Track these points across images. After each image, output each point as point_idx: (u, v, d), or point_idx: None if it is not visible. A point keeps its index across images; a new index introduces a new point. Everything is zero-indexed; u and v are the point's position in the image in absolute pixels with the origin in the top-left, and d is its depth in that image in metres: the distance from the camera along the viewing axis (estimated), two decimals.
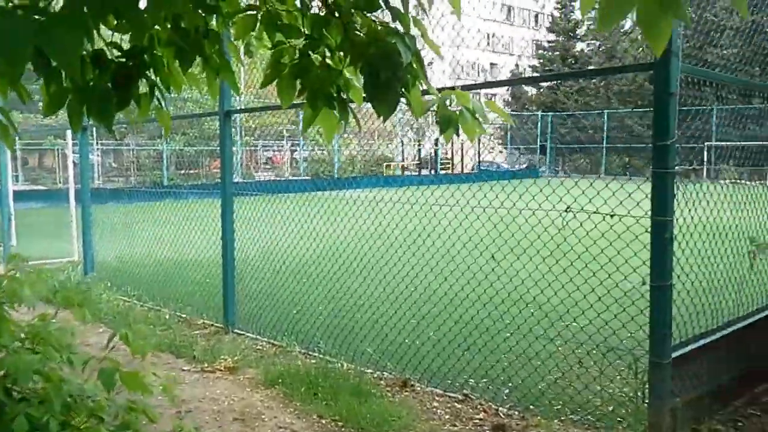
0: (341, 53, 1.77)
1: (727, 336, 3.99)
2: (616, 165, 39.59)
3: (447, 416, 4.01)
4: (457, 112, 1.95)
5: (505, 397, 4.37)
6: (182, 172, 32.35)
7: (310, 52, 1.82)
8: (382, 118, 1.73)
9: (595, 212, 3.61)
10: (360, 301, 6.62)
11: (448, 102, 1.92)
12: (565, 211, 3.63)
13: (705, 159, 34.32)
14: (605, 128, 39.64)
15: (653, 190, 3.34)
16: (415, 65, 1.79)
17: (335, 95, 1.93)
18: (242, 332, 6.09)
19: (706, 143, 30.59)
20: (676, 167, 3.35)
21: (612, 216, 3.48)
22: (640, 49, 41.05)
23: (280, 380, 4.50)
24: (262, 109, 6.32)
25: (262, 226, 6.67)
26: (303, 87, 1.85)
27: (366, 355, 5.13)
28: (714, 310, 3.91)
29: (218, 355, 5.15)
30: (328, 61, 1.84)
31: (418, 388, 4.52)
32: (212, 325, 6.39)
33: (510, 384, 4.55)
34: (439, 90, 1.96)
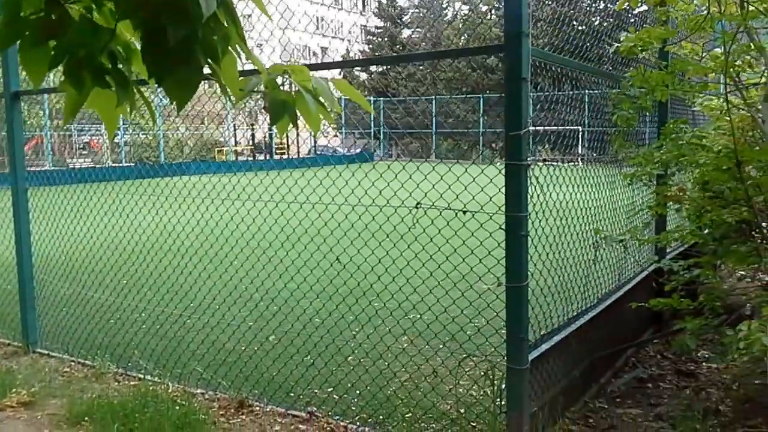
0: (112, 4, 1.19)
1: (576, 330, 3.90)
2: (444, 148, 41.16)
3: None
4: (294, 95, 1.48)
5: (353, 407, 4.00)
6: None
7: (62, 0, 1.20)
8: (176, 104, 1.21)
9: (447, 208, 3.30)
10: (189, 304, 5.93)
11: (280, 81, 1.42)
12: (415, 207, 3.29)
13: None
14: (434, 113, 40.96)
15: (507, 185, 3.08)
16: (225, 22, 1.25)
17: (109, 66, 1.32)
18: (46, 352, 5.17)
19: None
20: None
21: (465, 212, 3.20)
22: (462, 37, 42.84)
23: (88, 415, 3.75)
24: (54, 91, 5.36)
25: (71, 220, 5.74)
26: (59, 54, 1.24)
27: (196, 373, 4.51)
28: (564, 305, 3.80)
29: (11, 386, 4.25)
30: (96, 15, 1.24)
31: (258, 409, 4.00)
32: (9, 344, 5.38)
33: (357, 392, 4.19)
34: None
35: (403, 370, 4.38)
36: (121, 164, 29.71)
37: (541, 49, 3.40)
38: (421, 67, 45.06)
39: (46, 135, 28.63)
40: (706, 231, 4.26)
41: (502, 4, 3.06)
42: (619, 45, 4.28)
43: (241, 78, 1.42)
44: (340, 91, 1.55)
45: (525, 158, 3.06)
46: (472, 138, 40.08)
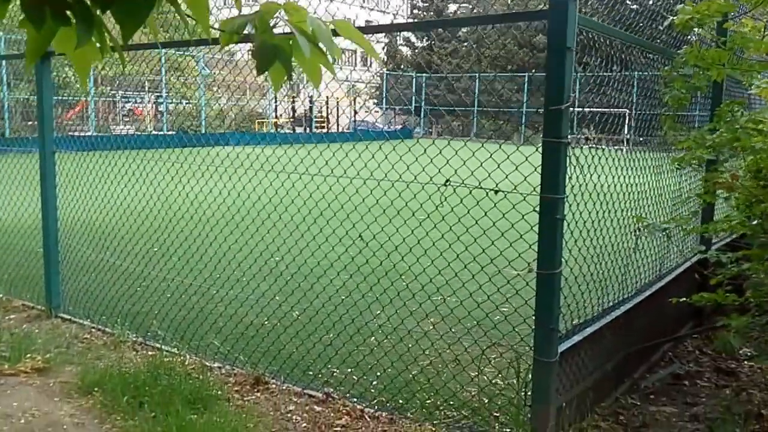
0: None
1: (611, 321, 3.66)
2: (486, 128, 40.45)
3: (304, 424, 3.40)
4: (290, 41, 1.26)
5: (372, 389, 3.85)
6: (30, 123, 29.23)
7: None
8: (121, 32, 1.01)
9: (477, 187, 3.08)
10: (217, 276, 5.84)
11: (273, 24, 1.22)
12: (444, 184, 3.08)
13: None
14: (476, 91, 40.29)
15: (544, 164, 2.85)
16: None
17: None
18: (69, 317, 5.15)
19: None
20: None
21: (496, 192, 2.98)
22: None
23: (99, 385, 3.66)
24: (15, 58, 5.24)
25: (105, 186, 5.67)
26: None
27: (213, 346, 4.41)
28: (600, 295, 3.56)
29: (27, 351, 4.21)
30: None
31: (273, 386, 3.88)
32: (33, 307, 5.37)
33: (377, 374, 4.03)
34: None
35: (425, 354, 4.20)
36: (162, 132, 29.96)
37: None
38: (465, 44, 44.30)
39: (91, 101, 29.04)
40: (755, 222, 3.96)
41: None
42: (673, 18, 3.96)
43: (228, 18, 1.23)
44: (343, 35, 1.33)
45: (565, 135, 2.82)
46: (516, 118, 39.34)
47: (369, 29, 3.96)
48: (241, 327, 4.73)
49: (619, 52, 3.93)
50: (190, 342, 4.48)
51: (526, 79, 38.35)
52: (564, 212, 2.86)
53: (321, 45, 1.20)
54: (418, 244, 4.37)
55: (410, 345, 4.32)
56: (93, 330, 4.88)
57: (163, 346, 4.41)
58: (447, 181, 3.07)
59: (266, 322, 4.89)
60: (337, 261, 5.35)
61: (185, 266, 5.79)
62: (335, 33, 1.24)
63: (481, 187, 3.08)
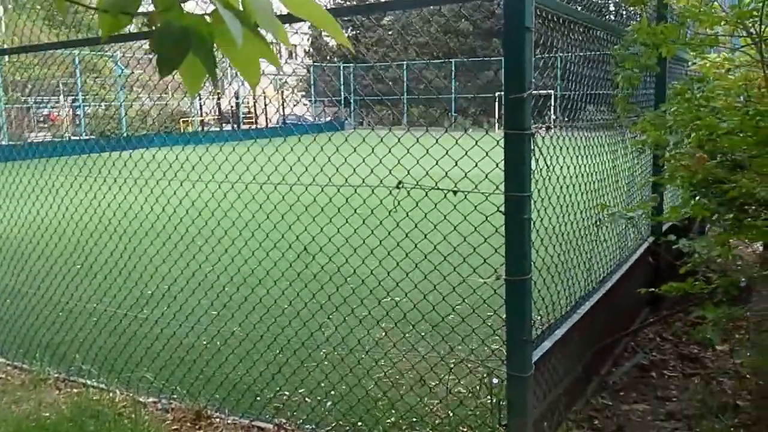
0: None
1: (579, 320, 3.44)
2: (417, 116, 40.41)
3: None
4: (211, 22, 0.86)
5: (328, 414, 3.50)
6: None
7: None
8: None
9: (434, 188, 2.77)
10: (145, 293, 5.36)
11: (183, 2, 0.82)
12: (396, 187, 2.76)
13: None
14: (404, 79, 40.18)
15: (507, 158, 2.56)
16: None
17: None
18: None
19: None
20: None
21: (455, 193, 2.68)
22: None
23: None
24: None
25: (14, 201, 5.08)
26: None
27: (146, 379, 3.96)
28: (568, 293, 3.32)
29: None
30: None
31: (218, 420, 3.48)
32: None
33: (333, 393, 3.69)
34: None
35: (379, 365, 3.89)
36: (81, 137, 28.48)
37: None
38: (390, 32, 44.08)
39: (0, 108, 27.34)
40: (715, 205, 3.81)
41: None
42: None
43: None
44: (301, 15, 0.92)
45: (528, 126, 2.53)
46: (444, 105, 39.47)
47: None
48: (178, 351, 4.30)
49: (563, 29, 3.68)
50: (120, 375, 4.02)
51: (453, 65, 38.51)
52: (531, 211, 2.58)
53: (259, 28, 0.83)
54: (363, 244, 4.04)
55: (361, 357, 4.00)
56: (9, 368, 4.34)
57: (89, 382, 3.95)
58: (399, 183, 2.75)
59: (203, 343, 4.48)
60: (273, 268, 4.95)
61: (111, 286, 5.28)
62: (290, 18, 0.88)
63: (438, 188, 2.77)
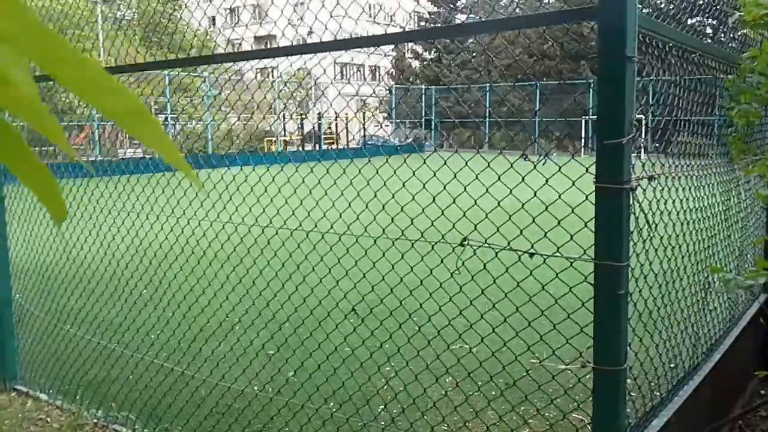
0: None
1: (681, 405, 2.85)
2: (498, 139, 39.65)
3: None
4: None
5: None
6: (37, 148, 28.84)
7: None
8: None
9: (505, 248, 2.29)
10: (198, 325, 5.07)
11: None
12: (461, 244, 2.30)
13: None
14: (488, 102, 39.63)
15: (598, 217, 2.06)
16: None
17: None
18: (25, 389, 4.41)
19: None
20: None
21: (531, 255, 2.21)
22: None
23: None
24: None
25: (83, 223, 4.90)
26: None
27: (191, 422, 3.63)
28: (668, 376, 2.75)
29: None
30: None
31: None
32: None
33: None
34: None
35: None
36: None
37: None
38: (474, 54, 43.62)
39: (95, 124, 28.69)
40: None
41: None
42: (740, 15, 3.18)
43: None
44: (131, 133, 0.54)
45: (627, 178, 2.03)
46: (527, 128, 38.55)
47: (383, 39, 3.17)
48: (226, 398, 3.96)
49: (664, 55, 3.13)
50: (159, 424, 3.71)
51: (537, 89, 37.64)
52: (628, 286, 2.07)
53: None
54: (430, 275, 3.58)
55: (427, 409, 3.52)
56: (49, 407, 4.13)
57: (124, 431, 3.66)
58: (464, 239, 2.29)
59: (254, 390, 4.13)
60: (335, 309, 4.56)
61: (163, 318, 5.03)
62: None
63: (512, 249, 2.29)
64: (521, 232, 2.53)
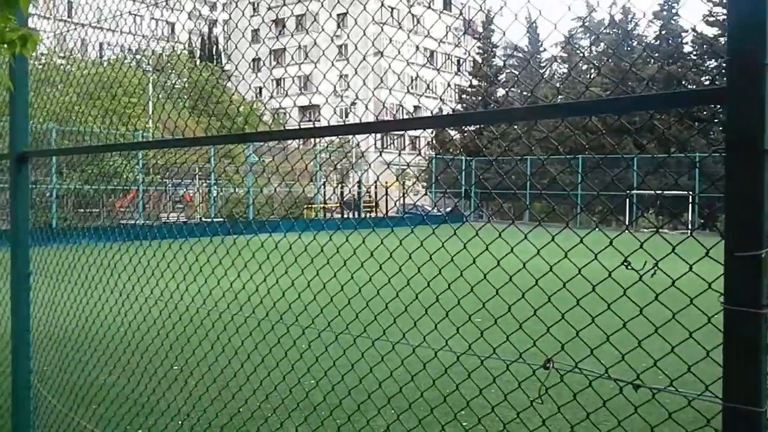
0: None
1: None
2: (538, 210, 39.18)
3: None
4: None
5: None
6: (81, 210, 29.35)
7: None
8: None
9: (602, 375, 1.87)
10: (236, 405, 4.67)
11: None
12: (544, 366, 1.90)
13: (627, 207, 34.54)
14: (528, 173, 39.40)
15: (727, 348, 1.65)
16: None
17: None
18: None
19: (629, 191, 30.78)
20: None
21: (637, 388, 1.79)
22: (560, 96, 41.17)
23: None
24: (70, 152, 4.42)
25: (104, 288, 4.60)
26: None
27: None
28: None
29: None
30: None
31: None
32: None
33: None
34: None
35: None
36: (211, 219, 29.63)
37: None
38: (515, 126, 43.73)
39: (140, 189, 29.27)
40: None
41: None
42: None
43: None
44: None
45: (764, 303, 1.63)
46: (571, 201, 38.06)
47: (464, 117, 2.92)
48: None
49: None
50: None
51: (581, 162, 37.37)
52: None
53: None
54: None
55: None
56: None
57: None
58: (548, 360, 1.90)
59: None
60: (377, 391, 4.10)
61: (196, 394, 4.63)
62: None
63: (611, 377, 1.88)
64: (623, 356, 2.09)
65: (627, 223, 31.77)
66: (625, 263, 2.24)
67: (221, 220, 28.24)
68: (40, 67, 5.38)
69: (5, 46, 2.48)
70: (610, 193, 34.85)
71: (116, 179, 28.61)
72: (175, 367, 5.75)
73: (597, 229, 2.18)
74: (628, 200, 33.31)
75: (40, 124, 4.76)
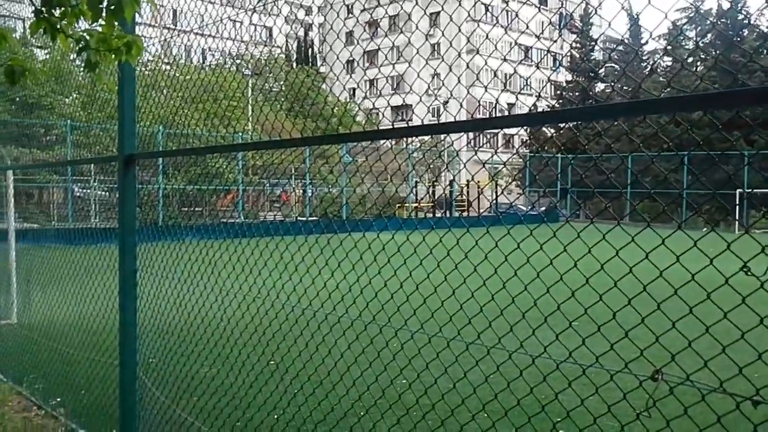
0: None
1: None
2: (639, 209, 37.54)
3: None
4: None
5: None
6: (185, 209, 30.79)
7: None
8: None
9: (719, 390, 1.72)
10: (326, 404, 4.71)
11: None
12: (653, 378, 1.76)
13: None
14: (629, 172, 37.84)
15: None
16: None
17: None
18: None
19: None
20: None
21: (756, 405, 1.63)
22: (666, 90, 39.27)
23: None
24: (174, 153, 4.59)
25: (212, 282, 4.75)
26: None
27: None
28: None
29: None
30: None
31: None
32: None
33: None
34: None
35: None
36: (307, 218, 30.34)
37: None
38: (616, 124, 42.20)
39: (240, 189, 30.40)
40: None
41: None
42: None
43: None
44: None
45: None
46: (675, 201, 36.29)
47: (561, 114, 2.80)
48: None
49: None
50: None
51: (686, 158, 35.51)
52: None
53: None
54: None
55: None
56: None
57: None
58: (657, 372, 1.76)
59: None
60: (461, 408, 4.01)
61: (292, 390, 4.71)
62: None
63: (726, 391, 1.73)
64: (740, 368, 1.92)
65: (745, 224, 29.93)
66: (745, 269, 2.06)
67: (316, 218, 28.88)
68: (148, 72, 5.61)
69: (112, 54, 2.57)
70: (722, 192, 32.89)
71: (218, 179, 29.82)
72: (272, 363, 5.89)
73: (712, 230, 2.00)
74: (738, 199, 31.36)
75: (146, 127, 4.98)
